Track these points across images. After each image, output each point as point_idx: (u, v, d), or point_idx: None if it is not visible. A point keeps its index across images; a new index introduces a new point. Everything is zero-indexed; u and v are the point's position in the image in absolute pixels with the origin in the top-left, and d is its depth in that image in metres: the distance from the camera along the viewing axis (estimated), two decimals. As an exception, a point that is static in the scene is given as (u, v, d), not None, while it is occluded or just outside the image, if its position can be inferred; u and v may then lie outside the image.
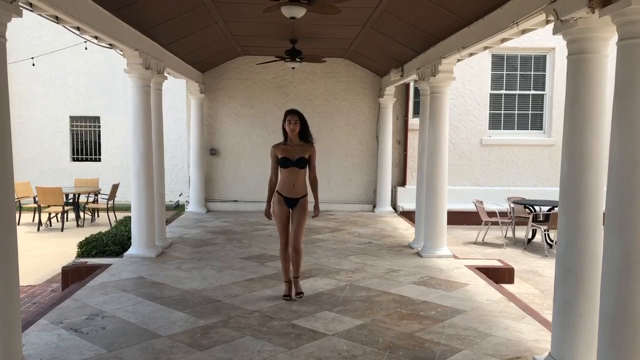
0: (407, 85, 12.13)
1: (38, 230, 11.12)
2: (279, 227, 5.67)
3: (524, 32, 5.20)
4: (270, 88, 12.31)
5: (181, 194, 14.09)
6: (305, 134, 5.62)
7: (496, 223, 10.01)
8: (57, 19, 4.99)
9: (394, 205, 12.47)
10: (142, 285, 6.19)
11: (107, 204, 11.79)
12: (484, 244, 10.06)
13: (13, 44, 14.46)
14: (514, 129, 12.49)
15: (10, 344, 3.64)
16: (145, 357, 4.23)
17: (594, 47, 3.81)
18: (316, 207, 5.68)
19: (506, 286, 6.77)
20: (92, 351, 4.31)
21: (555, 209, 9.45)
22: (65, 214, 11.40)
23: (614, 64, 3.28)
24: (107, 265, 6.97)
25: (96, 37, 6.07)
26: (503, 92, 12.41)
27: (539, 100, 12.41)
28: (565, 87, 4.00)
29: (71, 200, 11.77)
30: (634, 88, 3.11)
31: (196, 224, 10.51)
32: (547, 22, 4.49)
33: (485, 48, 6.37)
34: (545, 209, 10.04)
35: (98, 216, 12.51)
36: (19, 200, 11.64)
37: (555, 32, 4.07)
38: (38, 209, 11.28)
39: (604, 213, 3.45)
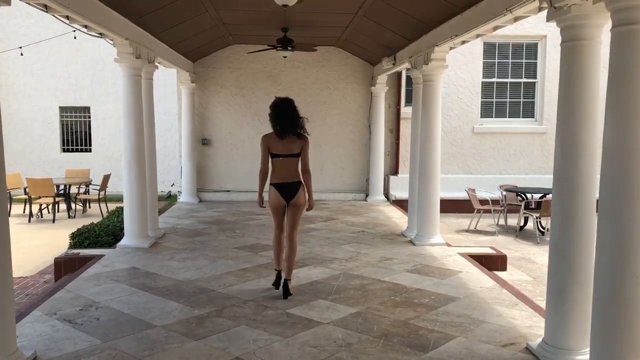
0: (399, 74, 12.11)
1: (29, 221, 11.05)
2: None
3: (517, 19, 5.20)
4: (262, 77, 12.24)
5: (173, 184, 14.04)
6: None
7: (488, 211, 10.07)
8: (46, 8, 4.93)
9: (386, 194, 12.49)
10: (135, 276, 6.17)
11: (99, 194, 11.73)
12: (477, 231, 10.12)
13: (0, 33, 14.29)
14: (506, 117, 12.52)
15: (4, 336, 3.63)
16: (141, 347, 4.22)
17: (587, 34, 3.79)
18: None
19: (499, 273, 6.82)
20: (87, 342, 4.29)
21: (547, 196, 9.50)
22: (57, 205, 11.33)
23: (608, 51, 3.28)
24: (100, 256, 6.94)
25: (86, 26, 6.00)
26: (495, 80, 12.42)
27: (530, 88, 12.43)
28: (559, 75, 3.99)
29: (62, 191, 11.68)
30: (628, 75, 3.11)
31: (189, 214, 10.48)
32: (540, 9, 4.49)
33: (478, 36, 6.36)
34: (537, 196, 10.11)
35: (89, 207, 12.45)
36: (10, 192, 11.54)
37: (548, 19, 4.05)
38: (29, 200, 11.20)
39: (597, 200, 3.47)
